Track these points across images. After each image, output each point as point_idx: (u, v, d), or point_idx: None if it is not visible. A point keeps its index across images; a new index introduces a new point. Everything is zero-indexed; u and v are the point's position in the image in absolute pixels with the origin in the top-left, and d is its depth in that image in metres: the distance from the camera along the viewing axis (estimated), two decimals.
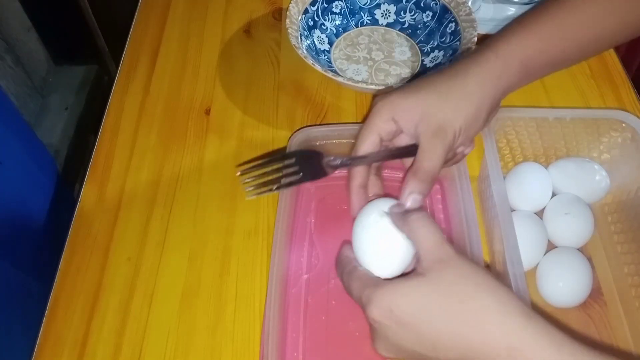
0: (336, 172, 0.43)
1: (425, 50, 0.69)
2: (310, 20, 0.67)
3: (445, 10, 0.67)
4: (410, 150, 0.42)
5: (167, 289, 0.51)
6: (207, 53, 0.71)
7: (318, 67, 0.59)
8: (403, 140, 0.43)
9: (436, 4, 0.68)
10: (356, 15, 0.71)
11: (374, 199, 0.42)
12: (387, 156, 0.43)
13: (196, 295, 0.51)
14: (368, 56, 0.69)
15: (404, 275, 0.37)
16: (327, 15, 0.70)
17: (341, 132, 0.52)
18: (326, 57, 0.68)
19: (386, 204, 0.40)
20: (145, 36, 0.73)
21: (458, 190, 0.49)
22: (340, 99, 0.66)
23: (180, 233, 0.55)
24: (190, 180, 0.59)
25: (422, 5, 0.69)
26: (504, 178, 0.55)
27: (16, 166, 0.81)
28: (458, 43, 0.64)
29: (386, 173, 0.54)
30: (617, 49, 0.70)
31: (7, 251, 0.76)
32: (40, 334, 0.49)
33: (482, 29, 0.65)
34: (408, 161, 0.44)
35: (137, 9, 0.77)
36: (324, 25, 0.69)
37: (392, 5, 0.71)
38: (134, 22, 0.76)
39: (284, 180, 0.43)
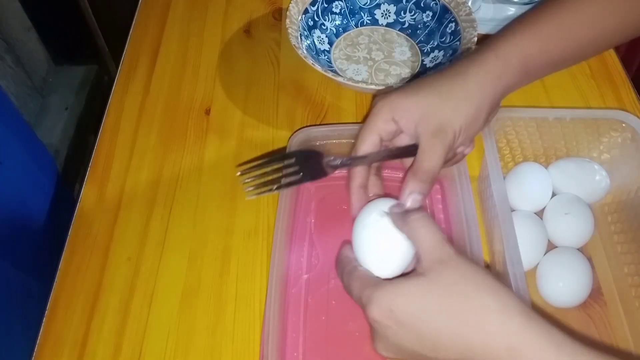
0: (336, 172, 0.43)
1: (425, 50, 0.69)
2: (310, 20, 0.67)
3: (445, 10, 0.67)
4: (410, 150, 0.42)
5: (167, 289, 0.51)
6: (207, 53, 0.71)
7: (318, 67, 0.59)
8: (403, 140, 0.43)
9: (436, 4, 0.68)
10: (356, 15, 0.71)
11: (374, 199, 0.42)
12: (387, 156, 0.43)
13: (196, 295, 0.51)
14: (368, 56, 0.69)
15: (404, 275, 0.37)
16: (327, 15, 0.70)
17: (341, 132, 0.52)
18: (326, 57, 0.68)
19: (386, 204, 0.40)
20: (145, 36, 0.73)
21: (458, 190, 0.49)
22: (340, 99, 0.66)
23: (180, 233, 0.55)
24: (190, 180, 0.59)
25: (422, 5, 0.69)
26: (504, 178, 0.55)
27: (16, 166, 0.81)
28: (458, 43, 0.64)
29: (386, 173, 0.54)
30: (617, 49, 0.70)
31: (7, 251, 0.76)
32: (40, 334, 0.49)
33: (482, 29, 0.65)
34: (408, 161, 0.44)
35: (137, 9, 0.77)
36: (324, 25, 0.69)
37: (392, 5, 0.71)
38: (134, 22, 0.76)
39: (283, 181, 0.43)
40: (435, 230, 0.35)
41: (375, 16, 0.72)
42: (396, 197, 0.40)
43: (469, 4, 0.65)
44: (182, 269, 0.53)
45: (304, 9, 0.67)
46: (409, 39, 0.71)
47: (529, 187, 0.54)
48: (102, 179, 0.59)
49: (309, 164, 0.44)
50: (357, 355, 0.47)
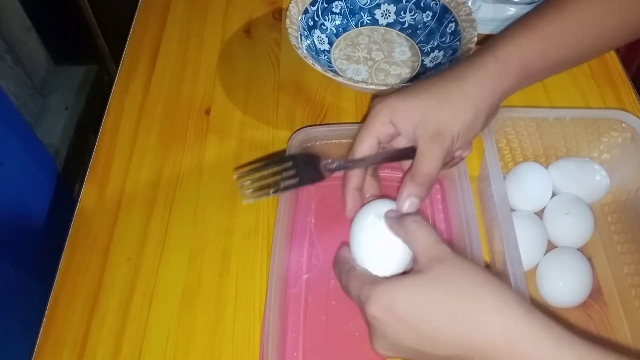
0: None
1: (425, 50, 0.69)
2: (310, 20, 0.67)
3: (445, 10, 0.67)
4: (408, 153, 0.42)
5: (167, 289, 0.51)
6: (207, 53, 0.71)
7: (318, 67, 0.59)
8: (400, 143, 0.43)
9: (436, 4, 0.68)
10: (356, 15, 0.71)
11: (370, 200, 0.42)
12: (385, 159, 0.43)
13: (196, 295, 0.51)
14: (368, 56, 0.69)
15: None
16: (327, 15, 0.70)
17: (341, 132, 0.52)
18: (326, 57, 0.68)
19: (383, 205, 0.40)
20: (145, 36, 0.73)
21: (458, 190, 0.49)
22: (340, 99, 0.66)
23: (180, 233, 0.55)
24: (190, 180, 0.59)
25: (422, 5, 0.69)
26: (504, 178, 0.55)
27: (16, 166, 0.81)
28: (458, 43, 0.64)
29: (386, 173, 0.54)
30: (617, 49, 0.70)
31: (7, 251, 0.76)
32: (40, 334, 0.49)
33: (482, 29, 0.65)
34: (406, 163, 0.44)
35: (137, 9, 0.77)
36: (324, 25, 0.69)
37: (392, 5, 0.71)
38: (134, 22, 0.76)
39: (281, 185, 0.43)
40: (430, 231, 0.36)
41: (375, 16, 0.72)
42: (393, 198, 0.40)
43: (469, 4, 0.65)
44: (182, 269, 0.53)
45: (304, 9, 0.67)
46: (409, 39, 0.71)
47: (529, 187, 0.54)
48: (102, 179, 0.59)
49: (306, 168, 0.43)
50: (357, 355, 0.47)
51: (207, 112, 0.65)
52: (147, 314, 0.50)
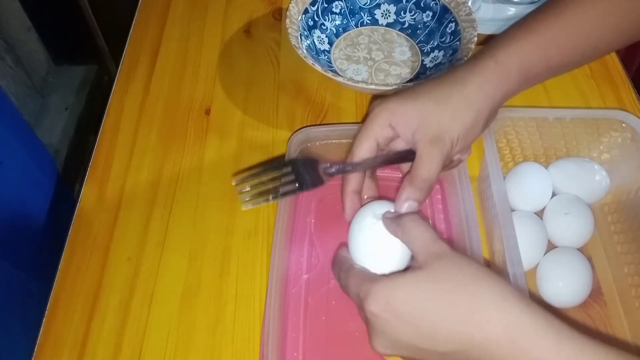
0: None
1: (425, 50, 0.69)
2: (310, 20, 0.67)
3: (445, 10, 0.67)
4: (407, 156, 0.42)
5: (167, 289, 0.51)
6: (207, 53, 0.71)
7: (318, 67, 0.59)
8: (399, 145, 0.43)
9: (436, 4, 0.68)
10: (356, 15, 0.71)
11: (368, 202, 0.42)
12: (383, 162, 0.43)
13: (196, 295, 0.51)
14: (368, 56, 0.69)
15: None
16: (327, 15, 0.70)
17: (341, 132, 0.52)
18: (326, 57, 0.68)
19: (381, 207, 0.40)
20: (145, 36, 0.73)
21: (458, 190, 0.49)
22: (340, 99, 0.66)
23: (180, 233, 0.55)
24: (190, 180, 0.59)
25: (422, 5, 0.69)
26: (504, 178, 0.55)
27: (16, 166, 0.81)
28: (458, 43, 0.64)
29: (385, 173, 0.54)
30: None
31: (7, 251, 0.76)
32: (40, 334, 0.49)
33: (482, 29, 0.65)
34: (405, 166, 0.44)
35: (137, 9, 0.77)
36: (324, 25, 0.69)
37: (392, 5, 0.71)
38: (134, 22, 0.76)
39: (281, 190, 0.43)
40: (428, 228, 0.36)
41: (375, 16, 0.72)
42: (391, 199, 0.40)
43: (469, 4, 0.65)
44: (182, 269, 0.53)
45: (304, 9, 0.67)
46: (409, 39, 0.71)
47: (529, 187, 0.54)
48: (102, 179, 0.59)
49: (305, 172, 0.43)
50: (357, 355, 0.47)
51: (207, 112, 0.65)
52: (147, 314, 0.50)
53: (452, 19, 0.66)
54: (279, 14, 0.75)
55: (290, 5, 0.65)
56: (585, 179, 0.54)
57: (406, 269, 0.37)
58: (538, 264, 0.51)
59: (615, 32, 0.45)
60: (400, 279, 0.34)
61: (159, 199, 0.57)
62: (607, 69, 0.67)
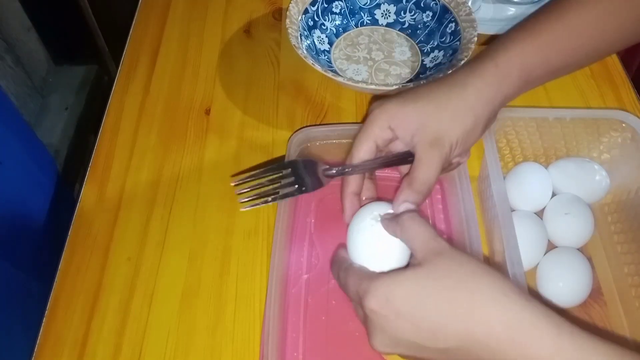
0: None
1: (425, 50, 0.69)
2: (310, 20, 0.67)
3: (445, 10, 0.67)
4: (405, 158, 0.42)
5: (167, 289, 0.51)
6: (207, 53, 0.71)
7: (318, 67, 0.59)
8: (397, 147, 0.43)
9: (436, 4, 0.68)
10: (356, 15, 0.71)
11: (367, 203, 0.42)
12: (382, 164, 0.43)
13: (196, 295, 0.51)
14: (368, 56, 0.69)
15: None
16: (327, 15, 0.70)
17: (341, 132, 0.52)
18: (326, 57, 0.68)
19: (380, 208, 0.40)
20: (145, 36, 0.73)
21: (458, 190, 0.49)
22: (340, 99, 0.66)
23: (180, 233, 0.55)
24: (190, 180, 0.59)
25: (422, 5, 0.69)
26: (504, 178, 0.55)
27: (16, 166, 0.81)
28: (458, 43, 0.64)
29: (385, 172, 0.54)
30: None
31: (7, 251, 0.76)
32: (40, 334, 0.49)
33: (482, 29, 0.65)
34: (404, 168, 0.44)
35: (137, 9, 0.77)
36: (324, 25, 0.69)
37: (392, 5, 0.71)
38: (134, 22, 0.76)
39: (281, 192, 0.43)
40: (427, 225, 0.36)
41: (375, 16, 0.72)
42: (390, 200, 0.40)
43: (469, 4, 0.65)
44: (182, 269, 0.53)
45: (304, 9, 0.67)
46: (409, 39, 0.71)
47: (529, 187, 0.54)
48: (102, 179, 0.59)
49: (305, 175, 0.44)
50: (357, 355, 0.47)
51: (207, 112, 0.65)
52: (147, 314, 0.50)
53: (452, 19, 0.66)
54: (279, 14, 0.75)
55: (290, 5, 0.65)
56: (585, 179, 0.54)
57: (405, 267, 0.37)
58: (538, 264, 0.51)
59: (616, 33, 0.45)
60: (399, 275, 0.34)
61: (159, 199, 0.57)
62: (607, 69, 0.67)
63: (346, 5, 0.70)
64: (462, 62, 0.60)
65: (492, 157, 0.48)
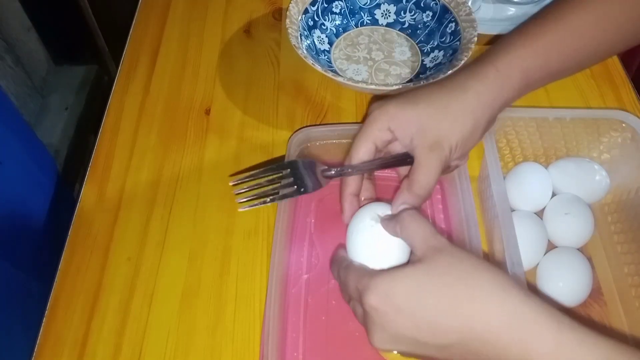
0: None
1: (425, 50, 0.69)
2: (310, 20, 0.67)
3: (445, 10, 0.67)
4: (404, 159, 0.42)
5: (167, 289, 0.51)
6: (207, 53, 0.71)
7: (318, 67, 0.59)
8: (396, 148, 0.43)
9: (436, 4, 0.68)
10: (356, 15, 0.71)
11: (366, 204, 0.42)
12: (381, 165, 0.43)
13: (196, 295, 0.51)
14: (368, 56, 0.69)
15: None
16: (327, 15, 0.70)
17: (341, 132, 0.52)
18: (326, 57, 0.68)
19: (379, 208, 0.40)
20: (145, 36, 0.73)
21: (458, 190, 0.49)
22: (340, 99, 0.66)
23: (180, 233, 0.55)
24: (190, 180, 0.59)
25: (422, 5, 0.69)
26: (504, 178, 0.55)
27: (16, 166, 0.81)
28: (458, 43, 0.64)
29: (384, 173, 0.54)
30: None
31: (7, 251, 0.76)
32: (40, 334, 0.49)
33: (482, 29, 0.65)
34: (402, 169, 0.44)
35: (137, 9, 0.77)
36: (324, 25, 0.69)
37: (392, 5, 0.71)
38: (134, 22, 0.76)
39: (280, 192, 0.43)
40: (426, 223, 0.36)
41: (375, 16, 0.72)
42: (389, 201, 0.40)
43: (469, 4, 0.65)
44: (182, 269, 0.53)
45: (304, 9, 0.67)
46: (409, 39, 0.71)
47: (529, 187, 0.54)
48: (102, 179, 0.59)
49: (304, 176, 0.44)
50: (357, 355, 0.47)
51: (207, 112, 0.65)
52: (147, 314, 0.50)
53: (452, 19, 0.66)
54: (279, 14, 0.75)
55: (290, 5, 0.65)
56: (585, 179, 0.54)
57: (405, 264, 0.37)
58: (538, 264, 0.51)
59: (616, 35, 0.45)
60: (399, 272, 0.34)
61: (159, 199, 0.57)
62: (607, 69, 0.67)
63: (346, 5, 0.70)
64: (462, 62, 0.60)
65: (492, 157, 0.48)
